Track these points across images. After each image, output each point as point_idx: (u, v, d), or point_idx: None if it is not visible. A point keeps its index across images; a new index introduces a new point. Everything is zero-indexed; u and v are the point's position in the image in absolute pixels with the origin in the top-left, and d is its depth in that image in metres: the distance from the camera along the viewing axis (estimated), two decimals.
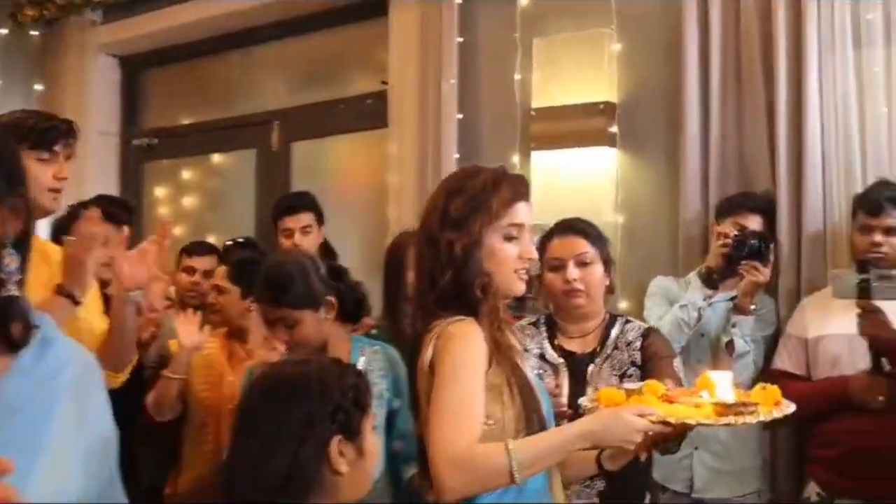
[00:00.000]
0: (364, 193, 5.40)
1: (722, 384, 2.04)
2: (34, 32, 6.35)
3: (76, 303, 2.50)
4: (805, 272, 3.76)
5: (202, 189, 6.39)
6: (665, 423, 1.99)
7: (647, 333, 2.99)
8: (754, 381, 3.15)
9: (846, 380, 3.29)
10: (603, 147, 4.25)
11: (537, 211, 2.29)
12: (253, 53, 6.11)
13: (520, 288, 2.20)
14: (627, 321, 3.04)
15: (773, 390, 2.10)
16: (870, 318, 3.14)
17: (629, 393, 2.11)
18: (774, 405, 2.05)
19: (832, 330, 3.39)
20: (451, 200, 2.15)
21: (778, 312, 3.78)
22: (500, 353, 2.09)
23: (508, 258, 2.16)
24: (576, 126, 4.26)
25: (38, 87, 6.36)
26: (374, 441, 1.91)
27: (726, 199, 3.84)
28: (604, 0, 4.30)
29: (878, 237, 3.35)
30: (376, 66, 5.31)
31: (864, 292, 3.13)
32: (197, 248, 4.51)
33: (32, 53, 6.43)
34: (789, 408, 2.09)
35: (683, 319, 3.54)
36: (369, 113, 5.23)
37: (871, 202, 3.39)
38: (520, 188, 2.20)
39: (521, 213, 2.18)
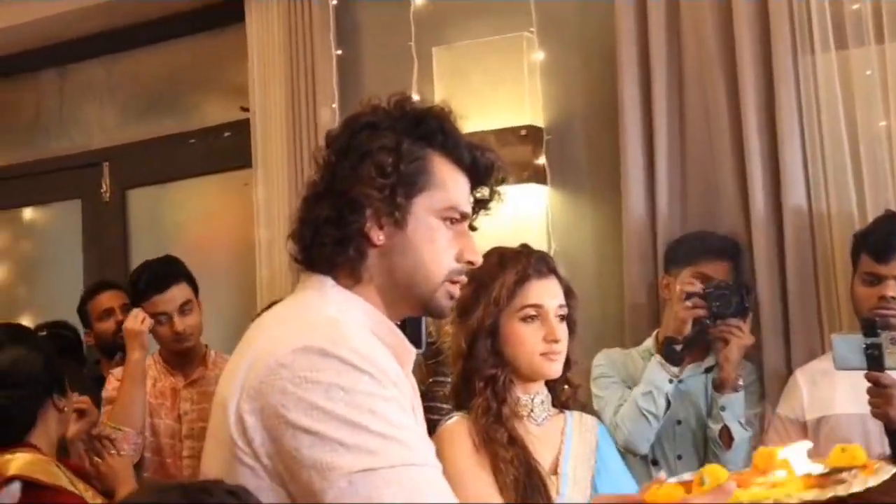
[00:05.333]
0: (225, 253, 5.33)
1: (798, 457, 2.00)
2: None
3: None
4: (795, 335, 3.72)
5: (12, 255, 6.23)
6: None
7: None
8: None
9: None
10: (530, 184, 4.21)
11: None
12: (72, 74, 5.99)
13: (549, 368, 2.66)
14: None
15: (856, 449, 2.02)
16: (883, 395, 3.06)
17: (687, 486, 2.03)
18: (864, 468, 1.98)
19: (838, 409, 3.32)
20: (463, 289, 2.49)
21: (763, 384, 3.73)
22: (489, 452, 2.55)
23: (526, 342, 2.64)
24: None
25: None
26: None
27: (678, 242, 3.80)
28: None
29: (890, 290, 3.25)
30: (233, 89, 5.23)
31: (873, 361, 3.06)
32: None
33: None
34: (889, 470, 1.99)
35: (649, 411, 3.41)
36: (227, 149, 5.17)
37: (876, 244, 3.29)
38: (529, 267, 2.66)
39: (534, 292, 2.66)
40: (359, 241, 1.91)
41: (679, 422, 3.56)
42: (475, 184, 2.04)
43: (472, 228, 2.06)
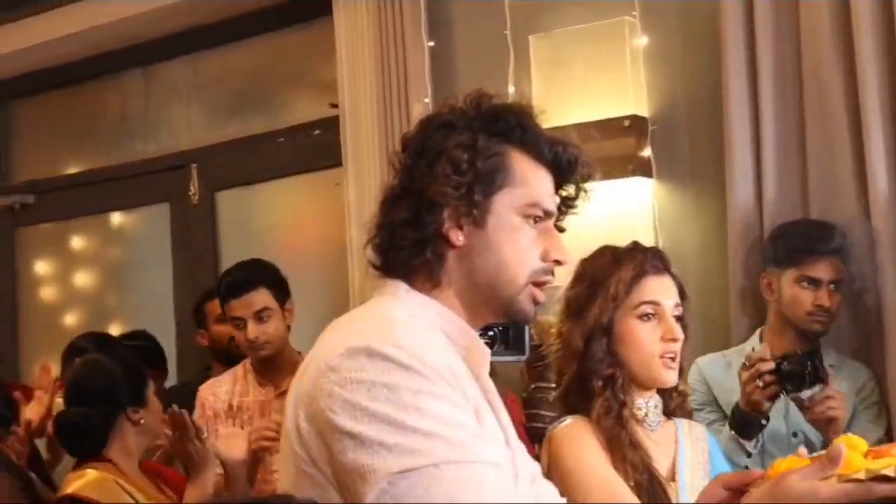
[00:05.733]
0: (316, 255, 5.33)
1: None
2: None
3: None
4: None
5: (100, 261, 6.30)
6: (882, 478, 1.87)
7: None
8: None
9: None
10: (634, 178, 4.17)
11: None
12: (158, 73, 6.05)
13: (667, 376, 2.62)
14: None
15: None
16: None
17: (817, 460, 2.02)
18: None
19: None
20: (572, 287, 2.68)
21: (886, 394, 3.63)
22: (613, 454, 2.53)
23: (642, 341, 2.60)
24: (595, 151, 3.91)
25: None
26: None
27: (778, 235, 3.71)
28: None
29: None
30: (322, 84, 5.25)
31: None
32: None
33: None
34: None
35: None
36: (317, 148, 5.19)
37: None
38: (645, 263, 2.63)
39: (651, 289, 2.62)
40: (436, 243, 1.92)
41: (794, 434, 3.49)
42: (559, 181, 2.03)
43: (560, 230, 2.05)
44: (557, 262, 1.99)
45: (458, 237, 1.93)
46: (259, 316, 4.05)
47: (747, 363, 3.34)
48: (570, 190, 2.06)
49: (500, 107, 2.00)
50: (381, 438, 1.69)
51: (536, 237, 1.97)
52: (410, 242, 1.92)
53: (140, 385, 3.54)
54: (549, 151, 1.99)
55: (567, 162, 2.01)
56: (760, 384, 3.29)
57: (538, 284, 1.98)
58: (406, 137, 2.04)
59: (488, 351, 2.02)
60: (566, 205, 2.06)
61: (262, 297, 4.06)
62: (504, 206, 1.94)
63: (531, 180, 1.97)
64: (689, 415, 2.85)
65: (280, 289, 4.15)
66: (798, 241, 3.62)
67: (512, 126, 1.97)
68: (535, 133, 1.99)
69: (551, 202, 2.00)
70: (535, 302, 1.98)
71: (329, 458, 1.76)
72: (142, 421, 3.51)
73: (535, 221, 1.97)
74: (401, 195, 1.96)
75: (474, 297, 1.96)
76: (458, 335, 1.94)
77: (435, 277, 1.94)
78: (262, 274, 4.15)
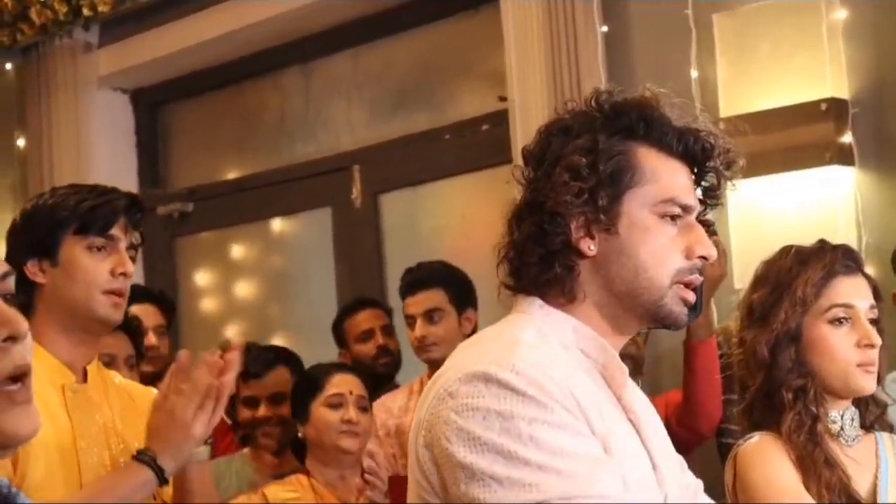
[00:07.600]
0: (485, 260, 5.18)
1: None
2: (6, 66, 6.49)
3: (163, 481, 2.52)
4: None
5: (261, 269, 6.40)
6: None
7: None
8: None
9: None
10: (833, 166, 4.09)
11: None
12: (317, 70, 6.12)
13: (866, 383, 2.56)
14: None
15: None
16: None
17: None
18: None
19: None
20: (754, 292, 2.67)
21: None
22: (806, 474, 2.49)
23: (837, 349, 2.56)
24: (788, 139, 4.11)
25: (19, 141, 6.47)
26: None
27: None
28: None
29: None
30: (490, 76, 5.26)
31: None
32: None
33: (6, 95, 6.55)
34: None
35: None
36: (485, 144, 5.21)
37: None
38: (836, 262, 2.59)
39: (843, 291, 2.58)
40: (566, 256, 1.93)
41: None
42: (698, 172, 2.04)
43: (706, 224, 2.04)
44: (704, 259, 1.98)
45: (589, 247, 1.94)
46: (429, 315, 4.18)
47: None
48: (712, 180, 2.05)
49: (621, 103, 2.00)
50: (493, 471, 1.74)
51: (677, 235, 1.96)
52: (538, 258, 1.94)
53: (304, 400, 3.67)
54: (679, 142, 1.99)
55: (701, 150, 2.00)
56: None
57: (686, 285, 1.95)
58: (526, 149, 2.06)
59: (626, 368, 2.01)
60: (708, 196, 2.05)
61: (434, 298, 4.21)
62: (635, 207, 1.94)
63: (663, 175, 1.97)
64: (890, 428, 2.76)
65: (460, 294, 4.27)
66: None
67: (634, 121, 1.97)
68: (662, 125, 1.98)
69: (689, 196, 1.99)
70: (685, 303, 1.97)
71: (444, 487, 1.82)
72: (306, 434, 3.67)
73: (673, 219, 1.97)
74: (525, 210, 1.98)
75: (616, 308, 1.97)
76: (595, 351, 1.96)
77: (569, 292, 1.95)
78: (440, 274, 4.31)
